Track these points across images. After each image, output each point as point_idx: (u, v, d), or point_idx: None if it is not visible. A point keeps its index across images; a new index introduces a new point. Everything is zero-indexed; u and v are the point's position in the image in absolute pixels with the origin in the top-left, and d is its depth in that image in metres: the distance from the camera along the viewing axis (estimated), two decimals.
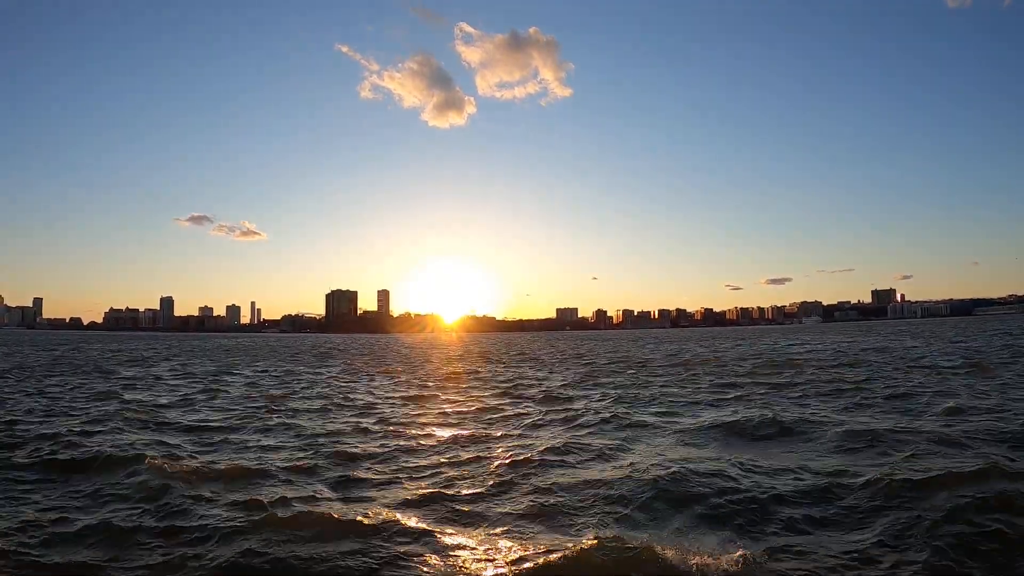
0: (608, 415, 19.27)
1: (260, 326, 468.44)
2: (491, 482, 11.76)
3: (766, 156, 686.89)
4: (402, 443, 15.82)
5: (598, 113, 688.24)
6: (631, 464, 12.64)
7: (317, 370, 45.26)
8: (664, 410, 20.57)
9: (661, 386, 28.51)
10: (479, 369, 44.92)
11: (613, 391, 26.72)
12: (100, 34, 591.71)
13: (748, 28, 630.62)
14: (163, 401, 25.29)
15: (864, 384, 25.88)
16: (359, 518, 9.49)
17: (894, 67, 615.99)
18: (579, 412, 20.48)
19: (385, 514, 9.75)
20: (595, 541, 8.21)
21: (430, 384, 33.11)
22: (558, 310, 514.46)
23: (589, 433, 16.76)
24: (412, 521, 9.47)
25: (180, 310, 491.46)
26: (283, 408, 22.85)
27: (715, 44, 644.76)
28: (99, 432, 16.86)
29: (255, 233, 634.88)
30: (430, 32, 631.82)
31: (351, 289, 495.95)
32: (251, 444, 15.99)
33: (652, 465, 12.27)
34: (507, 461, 13.27)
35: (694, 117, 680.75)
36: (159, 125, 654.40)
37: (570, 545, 8.21)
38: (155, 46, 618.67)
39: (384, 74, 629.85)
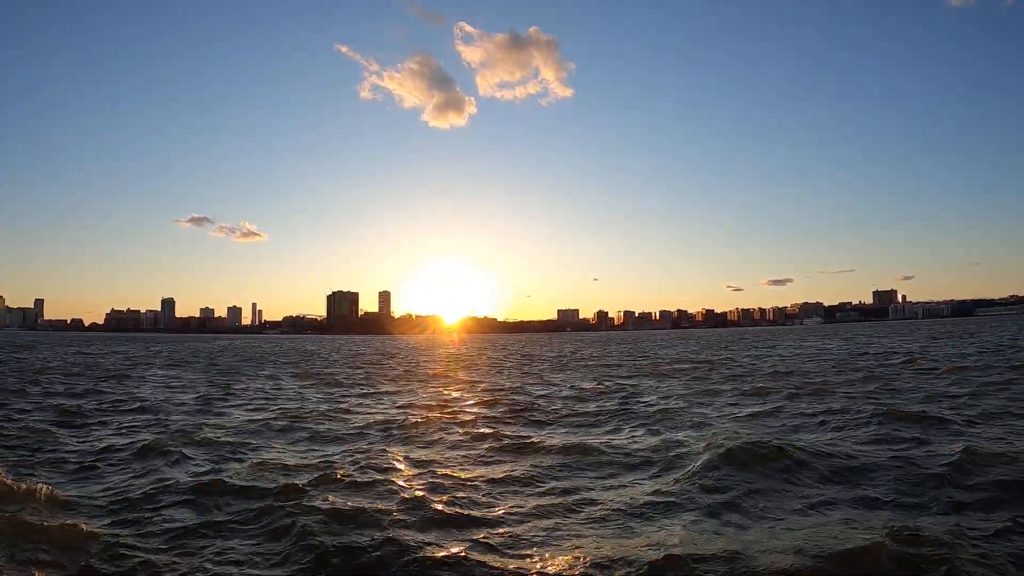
0: None
1: (261, 327, 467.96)
2: None
3: (766, 156, 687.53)
4: None
5: (599, 113, 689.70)
6: None
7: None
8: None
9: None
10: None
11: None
12: (100, 35, 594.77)
13: (748, 28, 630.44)
14: None
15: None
16: None
17: (895, 66, 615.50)
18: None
19: None
20: None
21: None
22: (559, 311, 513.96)
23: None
24: None
25: (181, 311, 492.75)
26: None
27: (715, 44, 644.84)
28: None
29: (255, 234, 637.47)
30: (430, 32, 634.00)
31: (352, 290, 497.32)
32: None
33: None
34: None
35: (694, 117, 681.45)
36: (159, 126, 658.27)
37: None
38: (155, 47, 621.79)
39: (384, 74, 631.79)
